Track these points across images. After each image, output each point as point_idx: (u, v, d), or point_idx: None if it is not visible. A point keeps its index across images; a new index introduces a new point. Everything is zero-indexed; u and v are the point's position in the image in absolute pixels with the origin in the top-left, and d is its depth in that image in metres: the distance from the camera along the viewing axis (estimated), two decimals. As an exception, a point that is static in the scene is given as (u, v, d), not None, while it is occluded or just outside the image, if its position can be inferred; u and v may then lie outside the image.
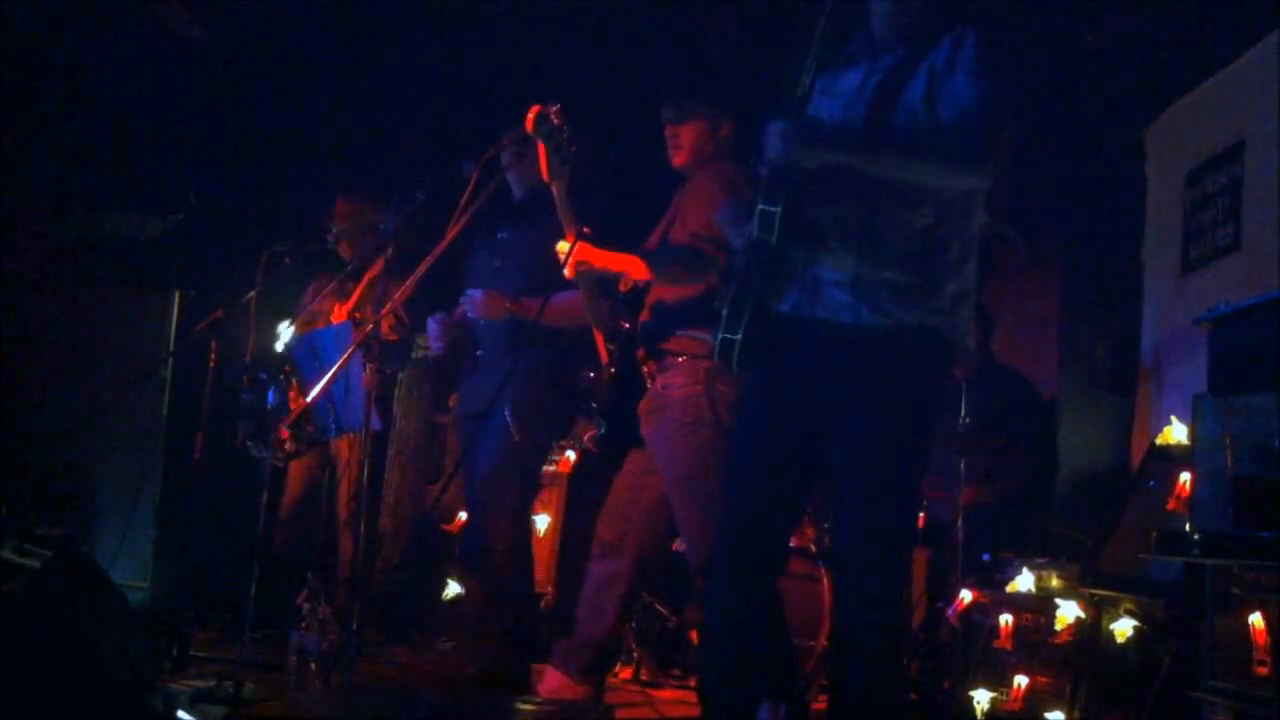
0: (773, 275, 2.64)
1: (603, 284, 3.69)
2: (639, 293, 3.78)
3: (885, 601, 2.63)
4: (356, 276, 4.75)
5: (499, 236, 4.10)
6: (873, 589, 2.63)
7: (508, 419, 3.83)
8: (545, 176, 3.49)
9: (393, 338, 4.92)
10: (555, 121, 3.38)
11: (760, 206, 2.60)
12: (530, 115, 3.42)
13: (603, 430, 3.68)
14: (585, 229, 3.52)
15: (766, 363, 2.66)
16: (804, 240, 2.63)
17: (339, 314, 4.78)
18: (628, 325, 3.76)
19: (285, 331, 4.70)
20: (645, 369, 3.74)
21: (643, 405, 3.72)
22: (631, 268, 3.62)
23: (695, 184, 3.75)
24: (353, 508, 4.79)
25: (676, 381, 3.63)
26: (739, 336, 2.62)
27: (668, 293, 3.70)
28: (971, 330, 2.73)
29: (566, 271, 3.54)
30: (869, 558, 2.63)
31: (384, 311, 3.93)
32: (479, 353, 4.05)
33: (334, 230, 4.96)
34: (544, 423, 3.97)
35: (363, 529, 4.02)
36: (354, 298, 4.70)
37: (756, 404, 2.77)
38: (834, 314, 2.63)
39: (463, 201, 3.80)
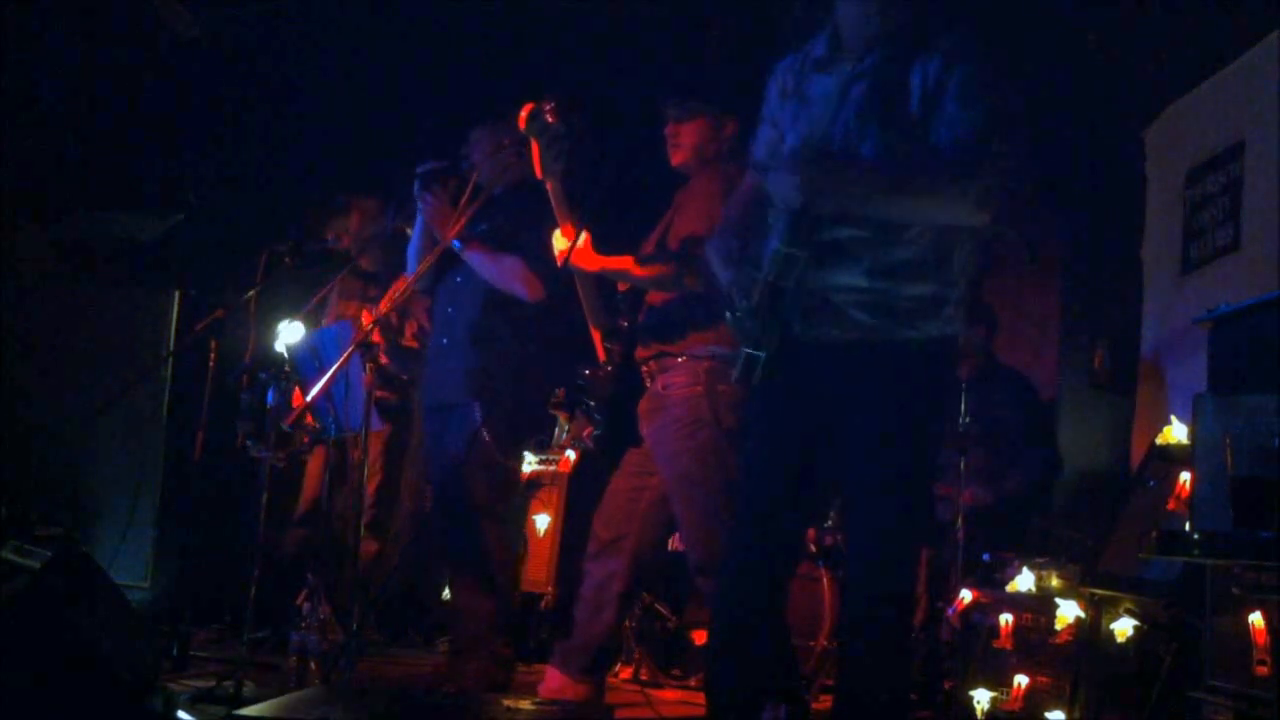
0: (793, 300, 2.63)
1: (601, 282, 3.69)
2: (638, 291, 3.78)
3: (889, 600, 2.65)
4: (382, 280, 4.76)
5: (479, 229, 4.10)
6: (878, 588, 2.64)
7: (477, 418, 3.81)
8: (539, 174, 3.48)
9: (413, 344, 4.92)
10: (550, 119, 3.38)
11: (784, 250, 2.57)
12: (523, 113, 3.42)
13: (600, 428, 3.68)
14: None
15: (787, 377, 2.65)
16: (819, 262, 2.61)
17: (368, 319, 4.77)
18: (626, 323, 3.77)
19: (286, 330, 4.70)
20: (644, 369, 3.74)
21: (642, 405, 3.72)
22: (626, 268, 3.62)
23: (696, 185, 3.75)
24: (376, 509, 4.81)
25: (677, 382, 3.63)
26: (764, 354, 2.61)
27: (665, 294, 3.71)
28: (964, 332, 2.76)
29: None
30: (878, 557, 2.65)
31: (382, 312, 3.93)
32: (444, 341, 4.04)
33: (352, 236, 4.98)
34: (514, 421, 3.95)
35: (362, 528, 4.02)
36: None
37: (773, 413, 2.76)
38: (853, 332, 2.63)
39: (462, 202, 3.81)
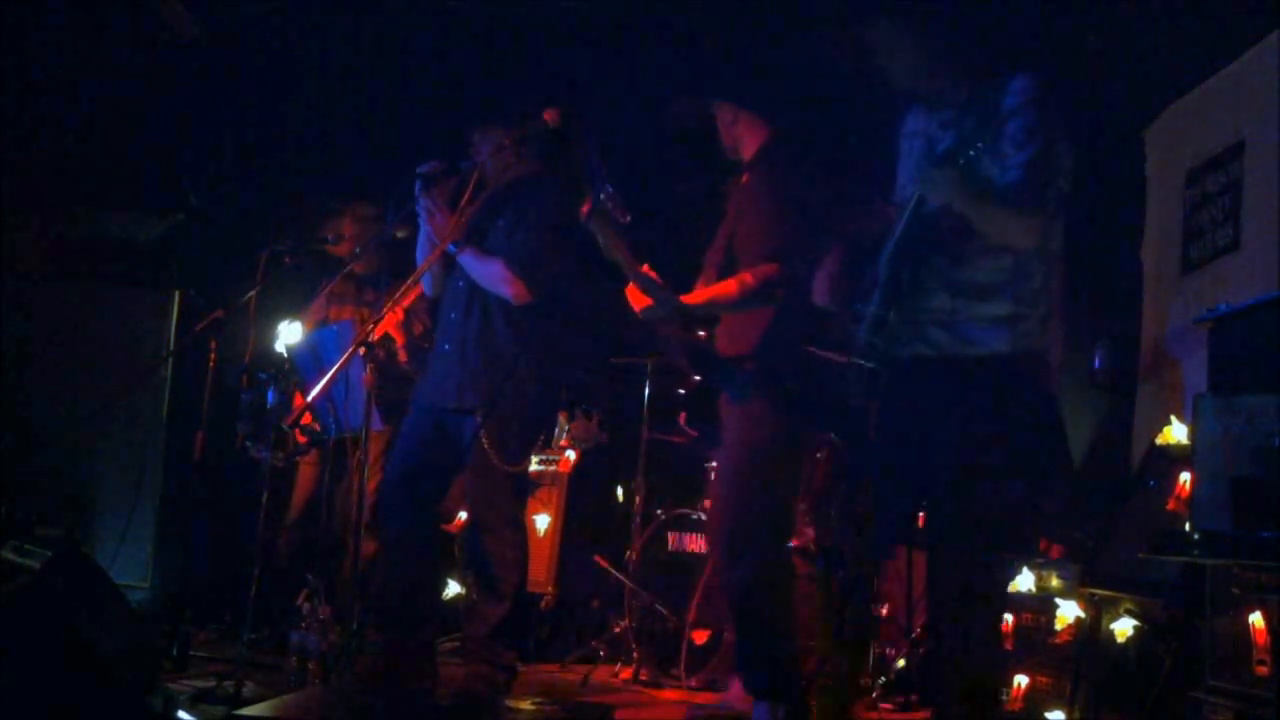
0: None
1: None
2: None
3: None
4: (380, 284, 4.75)
5: (476, 231, 4.10)
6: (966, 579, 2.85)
7: (477, 424, 3.80)
8: (606, 255, 3.57)
9: (422, 345, 4.92)
10: (609, 206, 3.46)
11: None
12: (584, 208, 3.50)
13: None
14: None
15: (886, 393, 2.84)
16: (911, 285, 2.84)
17: (386, 324, 4.75)
18: (704, 334, 3.79)
19: (286, 330, 4.70)
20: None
21: (720, 405, 3.78)
22: (728, 294, 3.64)
23: (751, 186, 3.73)
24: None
25: (745, 387, 3.65)
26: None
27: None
28: (1059, 346, 2.88)
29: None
30: (967, 551, 2.84)
31: (384, 312, 3.93)
32: (445, 346, 4.04)
33: (349, 241, 4.96)
34: (518, 426, 3.91)
35: (362, 528, 4.02)
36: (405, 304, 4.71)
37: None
38: (935, 349, 2.83)
39: (463, 202, 3.80)
